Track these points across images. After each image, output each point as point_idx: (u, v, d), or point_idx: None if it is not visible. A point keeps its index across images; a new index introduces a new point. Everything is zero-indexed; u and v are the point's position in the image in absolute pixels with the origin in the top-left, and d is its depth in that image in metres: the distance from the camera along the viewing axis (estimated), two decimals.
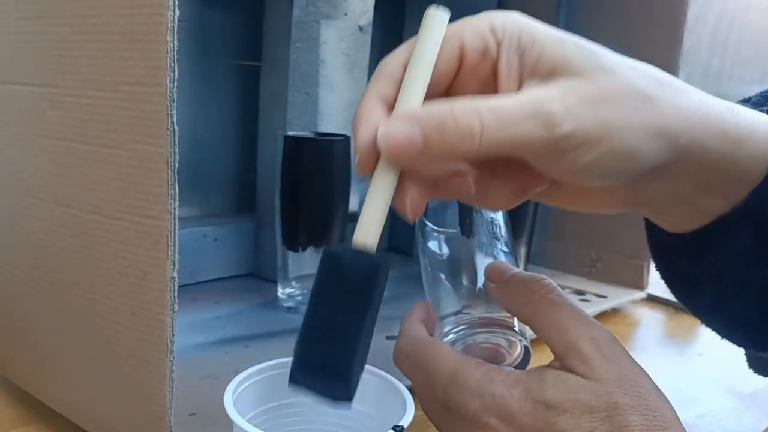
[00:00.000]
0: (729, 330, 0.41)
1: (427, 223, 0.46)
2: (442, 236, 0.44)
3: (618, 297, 0.72)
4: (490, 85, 0.32)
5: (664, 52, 0.69)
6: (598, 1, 0.75)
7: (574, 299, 0.69)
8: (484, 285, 0.39)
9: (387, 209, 0.31)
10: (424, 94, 0.31)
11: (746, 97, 0.40)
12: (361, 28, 0.68)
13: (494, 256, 0.42)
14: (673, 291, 0.41)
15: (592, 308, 0.67)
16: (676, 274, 0.40)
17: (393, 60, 0.34)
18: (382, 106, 0.31)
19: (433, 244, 0.44)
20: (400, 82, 0.32)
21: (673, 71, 0.68)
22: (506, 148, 0.29)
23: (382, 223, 0.31)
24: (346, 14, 0.66)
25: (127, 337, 0.35)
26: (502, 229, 0.44)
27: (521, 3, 0.81)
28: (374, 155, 0.30)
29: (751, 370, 0.43)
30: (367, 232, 0.31)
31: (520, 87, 0.31)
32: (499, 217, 0.45)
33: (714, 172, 0.33)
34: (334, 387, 0.29)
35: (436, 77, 0.32)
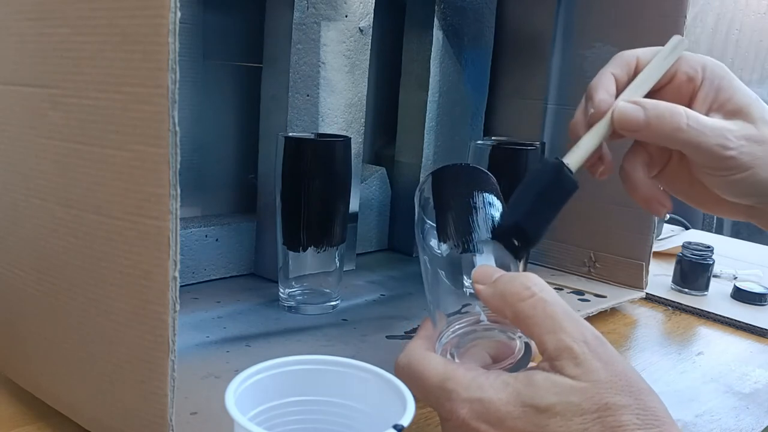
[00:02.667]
0: None
1: (427, 220, 0.46)
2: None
3: (617, 297, 0.72)
4: (683, 103, 0.45)
5: None
6: (598, 1, 0.75)
7: (573, 299, 0.70)
8: (473, 288, 0.39)
9: (591, 152, 0.46)
10: (649, 88, 0.46)
11: None
12: (361, 30, 0.68)
13: (493, 253, 0.42)
14: None
15: (591, 308, 0.68)
16: None
17: (630, 53, 0.48)
18: (613, 80, 0.46)
19: (433, 242, 0.44)
20: (632, 70, 0.47)
21: None
22: (691, 149, 0.44)
23: (585, 158, 0.46)
24: (346, 16, 0.66)
25: (129, 337, 0.35)
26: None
27: (522, 4, 0.82)
28: (603, 112, 0.45)
29: None
30: (577, 158, 0.45)
31: (707, 113, 0.45)
32: (495, 213, 0.45)
33: None
34: (523, 249, 0.44)
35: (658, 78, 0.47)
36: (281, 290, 0.62)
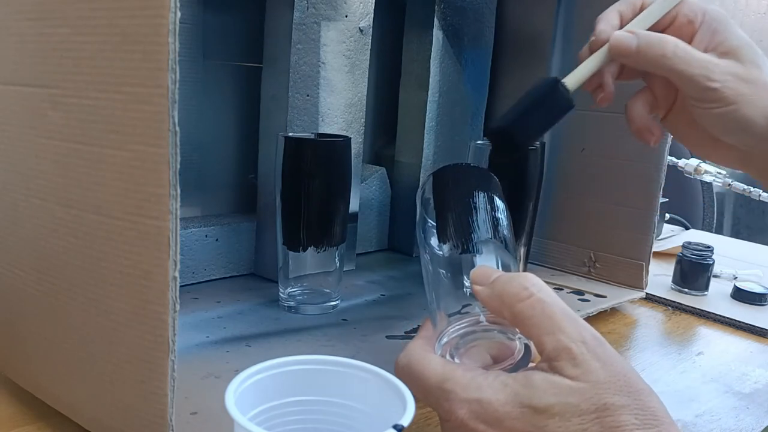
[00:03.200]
0: None
1: (428, 220, 0.46)
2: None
3: (617, 297, 0.72)
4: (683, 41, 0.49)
5: None
6: (598, 2, 0.75)
7: (573, 299, 0.70)
8: (471, 289, 0.39)
9: (589, 75, 0.50)
10: (651, 23, 0.50)
11: None
12: (361, 30, 0.68)
13: (480, 253, 0.42)
14: None
15: (591, 308, 0.68)
16: None
17: None
18: (618, 15, 0.51)
19: (434, 241, 0.44)
20: (637, 8, 0.51)
21: None
22: (677, 76, 0.47)
23: (583, 80, 0.50)
24: (346, 16, 0.66)
25: (129, 337, 0.35)
26: (505, 229, 0.45)
27: (522, 4, 0.82)
28: (603, 42, 0.49)
29: None
30: (574, 79, 0.50)
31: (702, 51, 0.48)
32: (502, 216, 0.45)
33: None
34: (515, 150, 0.52)
35: (656, 23, 0.50)
36: (281, 290, 0.62)
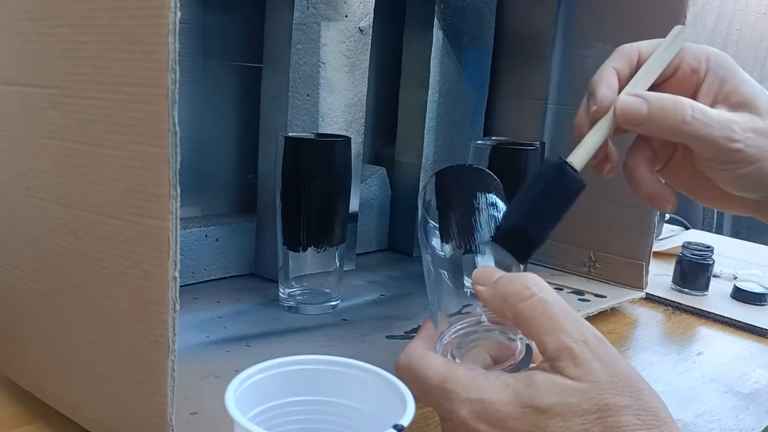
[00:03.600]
0: None
1: (430, 221, 0.46)
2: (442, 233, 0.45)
3: (617, 297, 0.72)
4: (688, 96, 0.44)
5: None
6: (598, 2, 0.75)
7: (573, 299, 0.70)
8: (473, 289, 0.39)
9: (596, 149, 0.45)
10: (652, 81, 0.45)
11: None
12: (361, 30, 0.68)
13: (483, 254, 0.42)
14: None
15: (591, 308, 0.68)
16: None
17: (632, 47, 0.47)
18: (615, 75, 0.46)
19: (435, 242, 0.44)
20: (634, 64, 0.46)
21: None
22: (696, 141, 0.43)
23: (590, 156, 0.45)
24: (346, 16, 0.66)
25: (129, 337, 0.35)
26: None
27: (522, 4, 0.82)
28: (606, 108, 0.44)
29: None
30: (581, 158, 0.44)
31: (711, 106, 0.44)
32: (497, 215, 0.45)
33: None
34: (526, 252, 0.44)
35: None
36: (281, 290, 0.62)
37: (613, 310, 0.72)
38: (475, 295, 0.39)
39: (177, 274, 0.32)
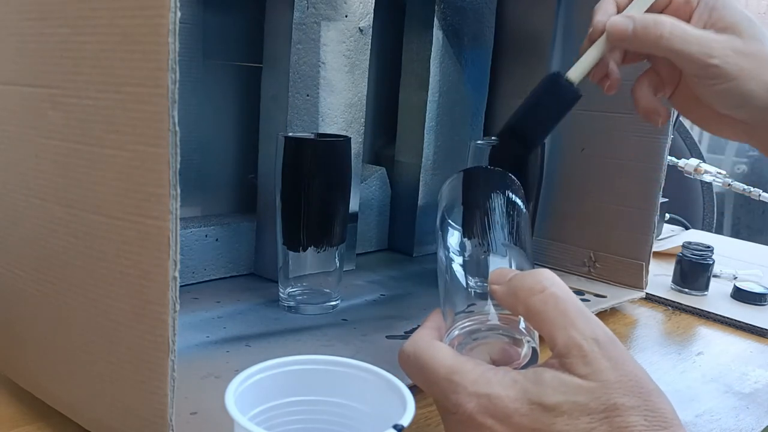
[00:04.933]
0: None
1: (449, 220, 0.46)
2: (461, 234, 0.45)
3: (617, 297, 0.72)
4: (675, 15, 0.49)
5: None
6: (598, 2, 0.75)
7: (576, 297, 0.70)
8: (489, 289, 0.39)
9: (593, 65, 0.51)
10: (645, 9, 0.50)
11: None
12: (361, 30, 0.68)
13: (504, 256, 0.42)
14: None
15: (591, 308, 0.68)
16: None
17: None
18: (614, 4, 0.51)
19: (452, 240, 0.45)
20: None
21: None
22: (675, 55, 0.48)
23: (586, 72, 0.51)
24: (346, 16, 0.66)
25: (129, 337, 0.35)
26: (521, 229, 0.45)
27: (522, 4, 0.82)
28: (601, 31, 0.50)
29: None
30: (578, 74, 0.51)
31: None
32: (516, 217, 0.45)
33: None
34: (526, 150, 0.56)
35: (653, 5, 0.50)
36: (281, 290, 0.62)
37: (613, 310, 0.72)
38: (478, 294, 0.39)
39: (177, 274, 0.32)
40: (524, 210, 0.46)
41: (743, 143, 0.56)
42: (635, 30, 0.48)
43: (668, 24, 0.47)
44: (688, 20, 0.49)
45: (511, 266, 0.41)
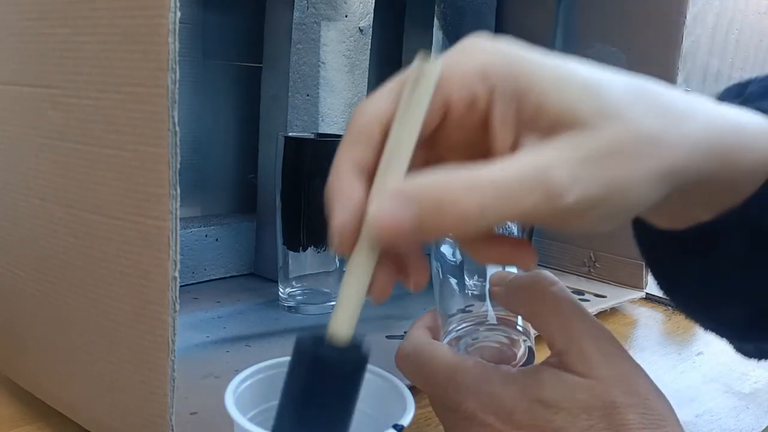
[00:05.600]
0: (714, 326, 0.39)
1: None
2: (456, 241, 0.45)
3: (617, 297, 0.72)
4: (479, 136, 0.29)
5: (663, 52, 0.69)
6: (598, 1, 0.75)
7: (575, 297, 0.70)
8: (489, 291, 0.39)
9: (365, 295, 0.28)
10: (409, 161, 0.27)
11: (744, 81, 0.38)
12: (361, 30, 0.68)
13: None
14: (660, 284, 0.39)
15: (591, 308, 0.68)
16: (660, 268, 0.38)
17: (368, 116, 0.29)
18: (359, 176, 0.28)
19: (446, 249, 0.45)
20: (378, 145, 0.28)
21: (672, 71, 0.69)
22: (509, 220, 0.29)
23: (359, 310, 0.28)
24: (346, 16, 0.66)
25: (129, 337, 0.35)
26: (513, 230, 0.45)
27: (522, 4, 0.82)
28: (354, 236, 0.27)
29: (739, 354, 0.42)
30: (345, 323, 0.28)
31: (516, 140, 0.28)
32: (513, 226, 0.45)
33: (710, 191, 0.31)
34: None
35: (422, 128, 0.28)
36: (281, 290, 0.62)
37: (613, 310, 0.72)
38: (478, 296, 0.39)
39: (177, 274, 0.32)
40: None
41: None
42: (423, 220, 0.25)
43: (471, 188, 0.25)
44: (483, 130, 0.29)
45: (504, 267, 0.41)
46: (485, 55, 0.28)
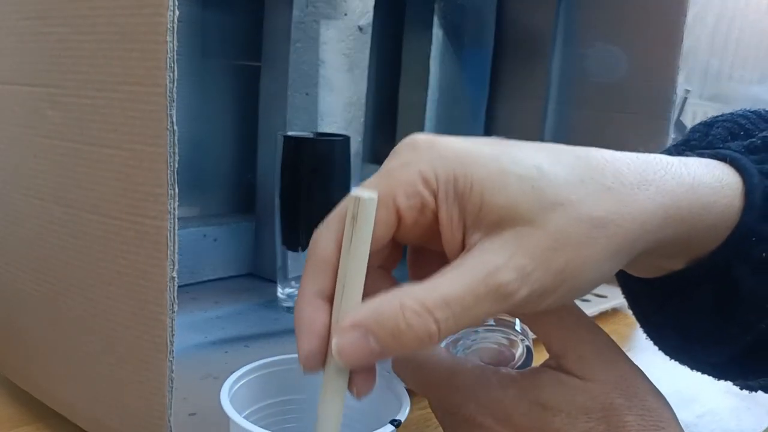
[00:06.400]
0: (696, 367, 0.41)
1: None
2: None
3: (618, 297, 0.71)
4: (432, 231, 0.30)
5: (664, 52, 0.69)
6: (598, 1, 0.75)
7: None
8: None
9: (341, 412, 0.30)
10: (363, 284, 0.29)
11: (709, 120, 0.38)
12: (360, 29, 0.68)
13: None
14: (645, 331, 0.41)
15: (592, 308, 0.68)
16: (642, 314, 0.39)
17: (321, 249, 0.32)
18: (321, 304, 0.30)
19: None
20: (331, 268, 0.31)
21: (672, 71, 0.69)
22: (466, 327, 0.29)
23: (339, 428, 0.30)
24: (345, 14, 0.66)
25: (127, 337, 0.35)
26: None
27: (522, 4, 0.82)
28: (321, 361, 0.30)
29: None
30: None
31: (464, 237, 0.29)
32: None
33: (674, 250, 0.32)
34: None
35: (375, 243, 0.30)
36: (280, 290, 0.61)
37: (614, 311, 0.72)
38: None
39: (175, 274, 0.32)
40: None
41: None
42: (384, 344, 0.27)
43: (423, 311, 0.27)
44: (436, 226, 0.30)
45: None
46: (424, 160, 0.30)
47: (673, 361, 0.41)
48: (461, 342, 0.38)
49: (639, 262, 0.31)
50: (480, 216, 0.28)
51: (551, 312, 0.34)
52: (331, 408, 0.30)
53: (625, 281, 0.38)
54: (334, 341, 0.28)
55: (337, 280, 0.30)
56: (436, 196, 0.29)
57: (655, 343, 0.41)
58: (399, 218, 0.30)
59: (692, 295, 0.34)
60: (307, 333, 0.30)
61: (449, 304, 0.27)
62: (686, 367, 0.41)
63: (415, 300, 0.27)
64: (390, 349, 0.27)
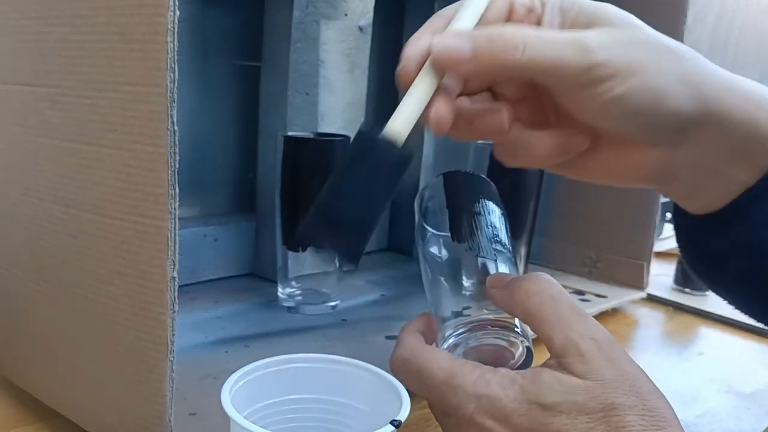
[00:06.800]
0: (748, 305, 0.40)
1: (427, 227, 0.46)
2: (441, 239, 0.44)
3: (618, 297, 0.72)
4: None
5: None
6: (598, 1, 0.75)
7: (574, 299, 0.70)
8: (485, 291, 0.39)
9: (421, 110, 0.35)
10: (477, 19, 0.35)
11: None
12: (361, 29, 0.68)
13: (494, 259, 0.42)
14: (695, 268, 0.41)
15: (592, 308, 0.67)
16: (700, 251, 0.40)
17: (448, 8, 0.37)
18: (432, 36, 0.35)
19: (433, 248, 0.44)
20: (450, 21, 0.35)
21: None
22: (543, 70, 0.33)
23: (415, 120, 0.35)
24: (346, 15, 0.66)
25: (127, 337, 0.35)
26: (502, 233, 0.44)
27: None
28: (418, 66, 0.34)
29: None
30: (401, 125, 0.35)
31: None
32: (497, 221, 0.45)
33: (738, 135, 0.34)
34: (349, 245, 0.34)
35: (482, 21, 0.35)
36: (280, 290, 0.61)
37: (614, 311, 0.72)
38: (473, 298, 0.39)
39: (175, 274, 0.32)
40: (504, 213, 0.46)
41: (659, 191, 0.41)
42: (477, 48, 0.33)
43: (519, 31, 0.33)
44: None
45: (498, 268, 0.41)
46: None
47: (735, 310, 0.41)
48: (461, 345, 0.38)
49: (710, 173, 0.36)
50: (576, 20, 0.35)
51: (551, 311, 0.34)
52: (413, 99, 0.35)
53: (688, 222, 0.39)
54: (435, 38, 0.34)
55: (458, 10, 0.35)
56: (543, 6, 0.36)
57: (708, 281, 0.41)
58: (510, 15, 0.36)
59: (758, 211, 0.36)
60: (414, 43, 0.35)
61: (541, 36, 0.33)
62: (736, 308, 0.41)
63: (513, 25, 0.34)
64: (481, 52, 0.33)
